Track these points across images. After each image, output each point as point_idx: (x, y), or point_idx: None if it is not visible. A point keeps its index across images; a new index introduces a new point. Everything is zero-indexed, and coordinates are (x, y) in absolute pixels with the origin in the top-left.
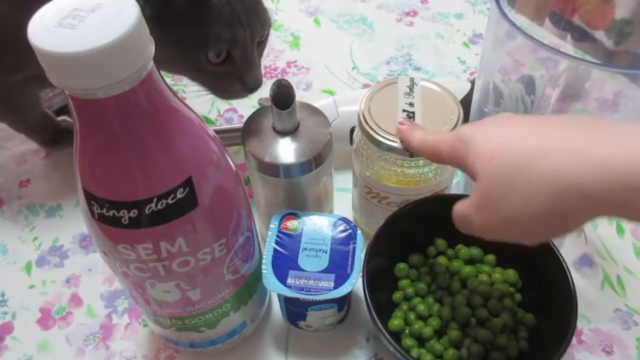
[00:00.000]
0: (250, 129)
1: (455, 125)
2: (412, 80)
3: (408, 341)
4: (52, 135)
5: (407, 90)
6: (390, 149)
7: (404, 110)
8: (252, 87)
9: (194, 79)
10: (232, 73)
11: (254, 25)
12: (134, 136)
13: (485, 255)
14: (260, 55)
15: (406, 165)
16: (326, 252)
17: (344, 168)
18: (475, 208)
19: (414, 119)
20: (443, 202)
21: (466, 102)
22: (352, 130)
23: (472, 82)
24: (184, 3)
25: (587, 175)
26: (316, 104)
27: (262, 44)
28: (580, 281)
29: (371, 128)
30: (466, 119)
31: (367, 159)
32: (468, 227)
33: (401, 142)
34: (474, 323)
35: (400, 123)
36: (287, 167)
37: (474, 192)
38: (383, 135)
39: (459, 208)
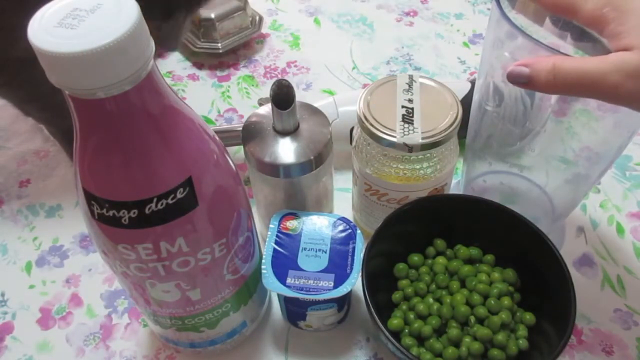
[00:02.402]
0: (250, 129)
1: (455, 121)
2: (410, 77)
3: (408, 340)
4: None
5: (406, 87)
6: (390, 144)
7: (403, 107)
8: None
9: None
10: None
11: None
12: (134, 136)
13: (484, 255)
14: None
15: (405, 161)
16: (326, 252)
17: (344, 168)
18: (624, 75)
19: (413, 115)
20: (442, 202)
21: (466, 102)
22: (352, 130)
23: (472, 82)
24: None
25: None
26: (316, 104)
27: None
28: (580, 281)
29: (371, 124)
30: (466, 119)
31: (366, 155)
32: (604, 90)
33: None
34: (473, 321)
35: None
36: (287, 167)
37: (624, 56)
38: (383, 130)
39: (592, 65)
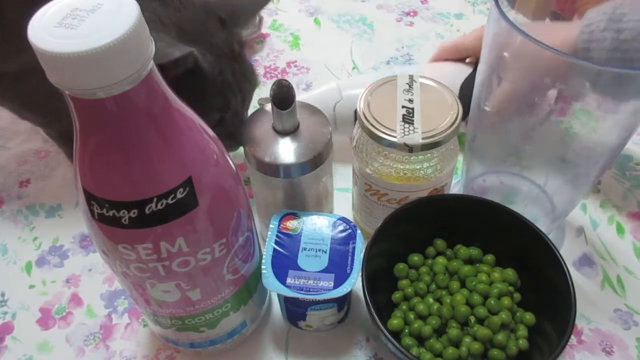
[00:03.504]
0: (250, 129)
1: (455, 121)
2: (411, 77)
3: (408, 340)
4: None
5: (406, 87)
6: (390, 144)
7: (403, 107)
8: (241, 143)
9: None
10: (223, 132)
11: (244, 89)
12: (134, 136)
13: (484, 255)
14: (247, 108)
15: (406, 161)
16: (326, 252)
17: (344, 168)
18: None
19: (413, 115)
20: (442, 202)
21: (467, 85)
22: (356, 112)
23: (474, 65)
24: (180, 74)
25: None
26: (318, 90)
27: (248, 99)
28: (580, 281)
29: (371, 124)
30: (468, 103)
31: (366, 155)
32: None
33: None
34: (473, 322)
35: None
36: (287, 167)
37: None
38: (383, 131)
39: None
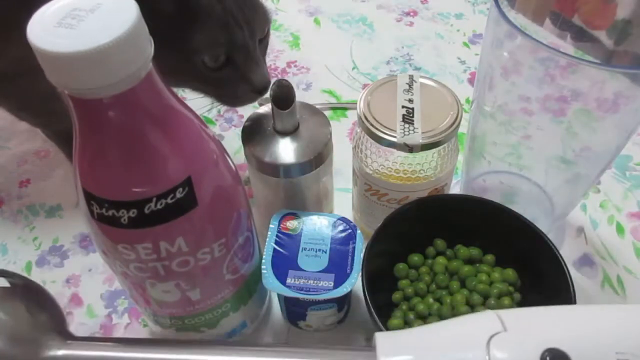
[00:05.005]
0: (250, 129)
1: (455, 121)
2: (411, 77)
3: None
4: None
5: (407, 87)
6: (390, 144)
7: (403, 107)
8: (260, 88)
9: (195, 88)
10: (235, 76)
11: (253, 22)
12: (133, 136)
13: (484, 255)
14: (264, 53)
15: (406, 161)
16: (326, 252)
17: (344, 168)
18: None
19: (413, 115)
20: (442, 202)
21: None
22: None
23: None
24: (172, 8)
25: None
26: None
27: (264, 40)
28: (580, 281)
29: (371, 124)
30: None
31: (366, 155)
32: None
33: None
34: None
35: None
36: (287, 167)
37: None
38: (383, 131)
39: None
